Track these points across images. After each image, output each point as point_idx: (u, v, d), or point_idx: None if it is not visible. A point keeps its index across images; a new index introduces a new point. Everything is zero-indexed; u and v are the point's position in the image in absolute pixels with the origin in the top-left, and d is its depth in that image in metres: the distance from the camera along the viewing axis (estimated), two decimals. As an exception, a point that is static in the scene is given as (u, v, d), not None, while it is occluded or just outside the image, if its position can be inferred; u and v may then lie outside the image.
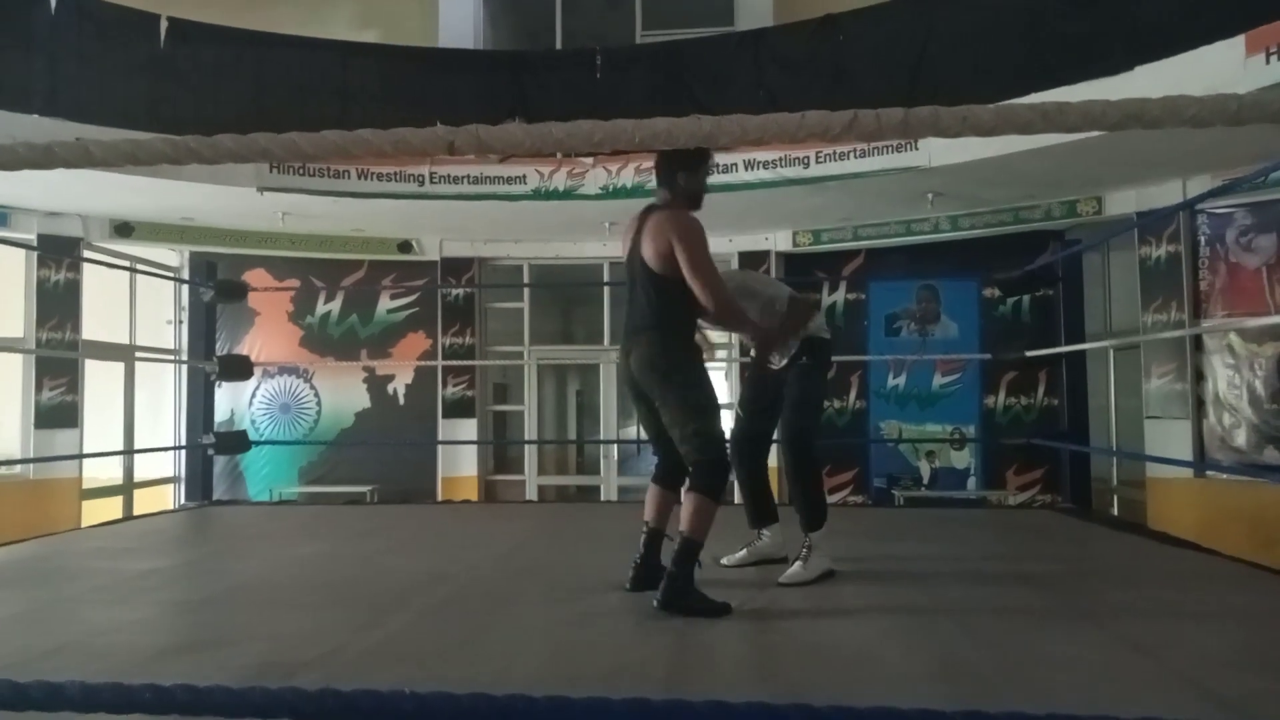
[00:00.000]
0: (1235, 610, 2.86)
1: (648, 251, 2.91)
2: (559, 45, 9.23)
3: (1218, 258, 6.95)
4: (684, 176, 3.02)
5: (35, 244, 7.76)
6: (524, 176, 7.57)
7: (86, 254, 8.00)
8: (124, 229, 8.29)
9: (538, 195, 7.59)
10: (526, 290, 9.72)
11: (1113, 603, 2.91)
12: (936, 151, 6.48)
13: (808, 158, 7.05)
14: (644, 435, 3.26)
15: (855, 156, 6.93)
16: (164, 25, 6.84)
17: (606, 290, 9.67)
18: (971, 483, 8.65)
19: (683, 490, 2.92)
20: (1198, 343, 7.03)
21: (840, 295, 9.13)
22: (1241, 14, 5.04)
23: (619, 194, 7.53)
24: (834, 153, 6.98)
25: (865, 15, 7.04)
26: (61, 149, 1.55)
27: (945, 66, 6.48)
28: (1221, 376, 6.88)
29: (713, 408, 2.94)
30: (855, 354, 8.85)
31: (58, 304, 7.95)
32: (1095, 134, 4.93)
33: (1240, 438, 6.78)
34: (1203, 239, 7.04)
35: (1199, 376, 7.01)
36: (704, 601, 2.74)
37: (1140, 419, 7.42)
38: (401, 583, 3.28)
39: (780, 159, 7.00)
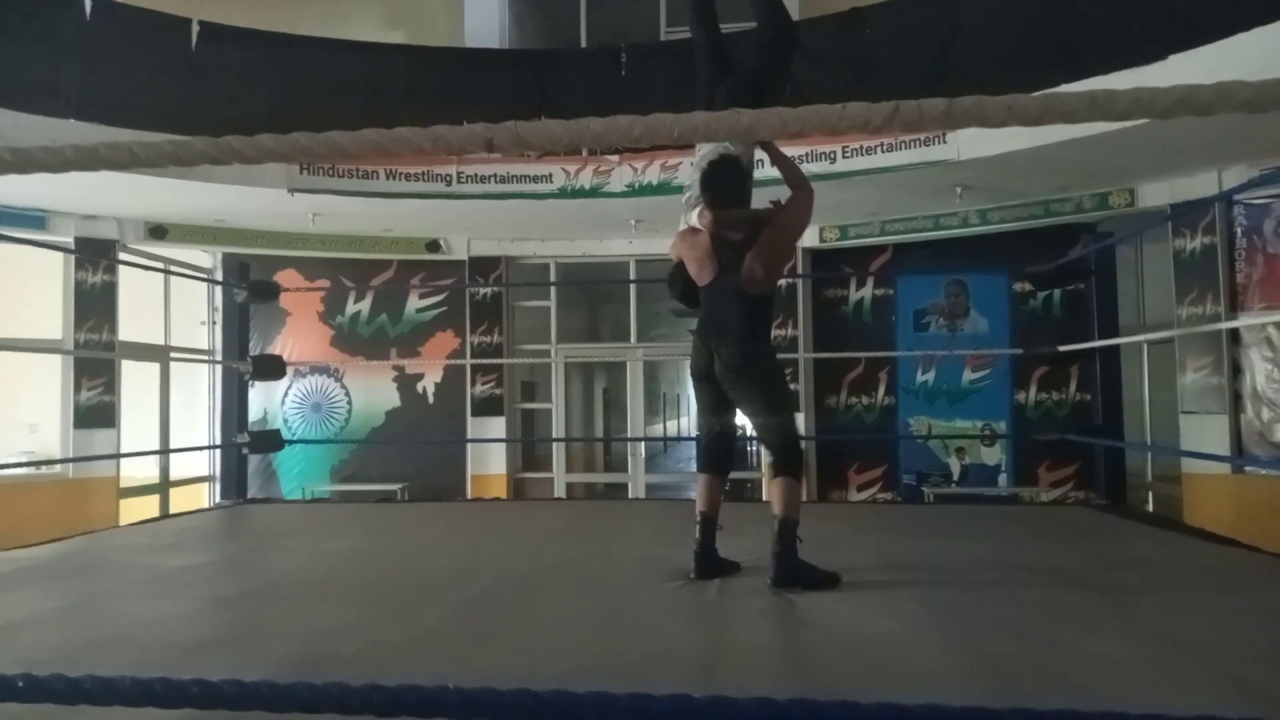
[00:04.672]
0: (1277, 606, 2.81)
1: (756, 270, 3.08)
2: (584, 43, 9.25)
3: (1255, 249, 6.82)
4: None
5: (72, 246, 7.89)
6: (550, 175, 7.59)
7: (122, 256, 8.13)
8: (158, 231, 8.41)
9: (564, 194, 7.62)
10: (553, 289, 9.75)
11: (1149, 599, 2.87)
12: (966, 144, 6.43)
13: (834, 152, 7.01)
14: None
15: (883, 151, 6.88)
16: (195, 29, 6.93)
17: (633, 288, 9.68)
18: (1002, 479, 8.56)
19: (770, 479, 3.18)
20: (1234, 336, 6.91)
21: (868, 291, 9.08)
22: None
23: (645, 191, 7.54)
24: (860, 147, 6.94)
25: (891, 8, 6.99)
26: (107, 150, 1.58)
27: (972, 58, 6.41)
28: (1260, 370, 6.76)
29: (790, 402, 3.39)
30: (884, 349, 8.80)
31: (95, 305, 8.09)
32: (1128, 124, 4.86)
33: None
34: (1239, 230, 6.91)
35: (1236, 370, 6.89)
36: (816, 573, 2.96)
37: (1175, 413, 7.31)
38: (435, 578, 3.31)
39: (807, 154, 6.97)
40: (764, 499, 8.20)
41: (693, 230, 3.32)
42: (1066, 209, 7.75)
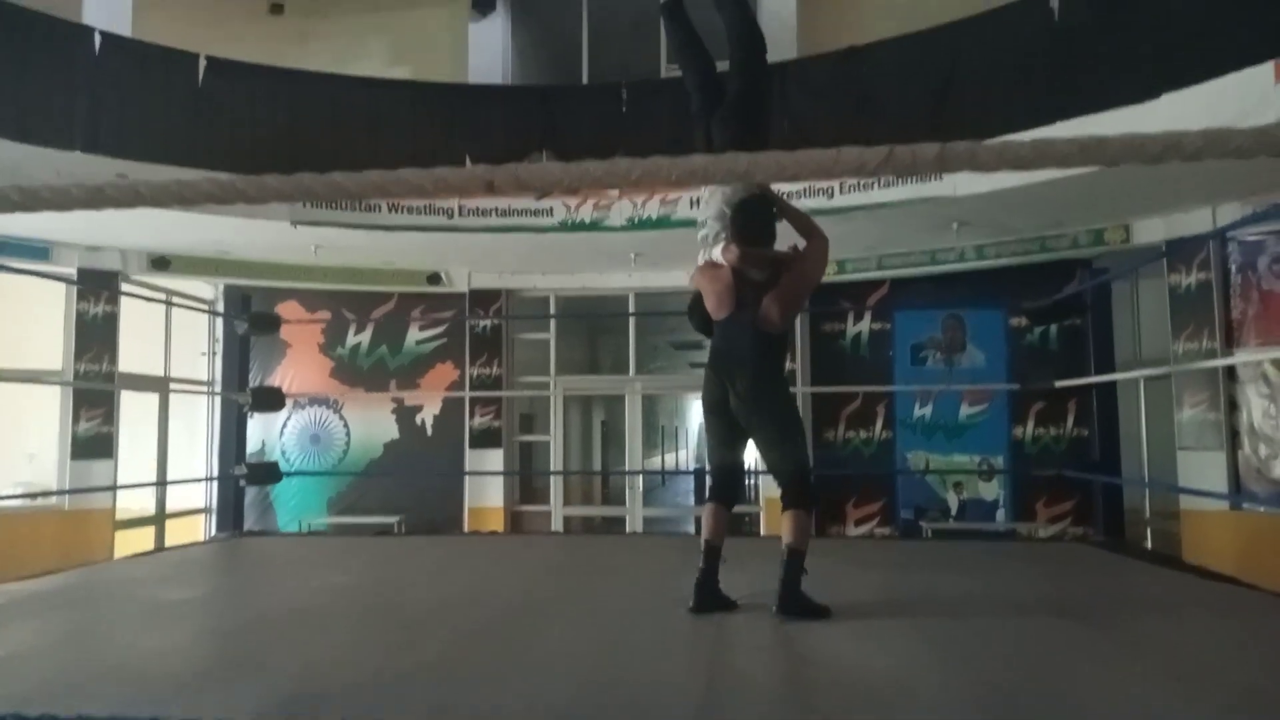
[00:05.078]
0: (1277, 644, 2.80)
1: (772, 312, 3.16)
2: (586, 80, 9.36)
3: (1250, 285, 6.86)
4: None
5: (75, 278, 7.92)
6: (551, 209, 7.65)
7: (124, 287, 8.16)
8: (161, 263, 8.45)
9: (565, 227, 7.67)
10: (553, 321, 9.79)
11: (1152, 635, 2.87)
12: (962, 181, 6.48)
13: (832, 188, 7.07)
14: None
15: (880, 186, 6.94)
16: (202, 64, 7.03)
17: (632, 321, 9.72)
18: (1001, 514, 8.53)
19: (781, 511, 3.21)
20: (1231, 372, 6.93)
21: (865, 325, 9.11)
22: (1269, 40, 5.02)
23: (644, 225, 7.60)
24: (858, 183, 7.00)
25: (888, 46, 7.09)
26: (112, 189, 1.60)
27: (970, 95, 6.50)
28: (1256, 406, 6.78)
29: (803, 435, 3.38)
30: (881, 383, 8.81)
31: (96, 336, 8.10)
32: (1123, 163, 4.90)
33: (1278, 469, 6.65)
34: (1234, 266, 6.96)
35: (1232, 406, 6.90)
36: (812, 605, 3.04)
37: (1173, 449, 7.31)
38: (432, 611, 3.30)
39: (804, 189, 7.02)
40: (764, 533, 8.19)
41: (713, 265, 3.36)
42: (1062, 245, 7.80)
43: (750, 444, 3.39)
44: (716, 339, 3.35)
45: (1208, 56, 5.27)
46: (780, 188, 6.82)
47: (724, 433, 3.32)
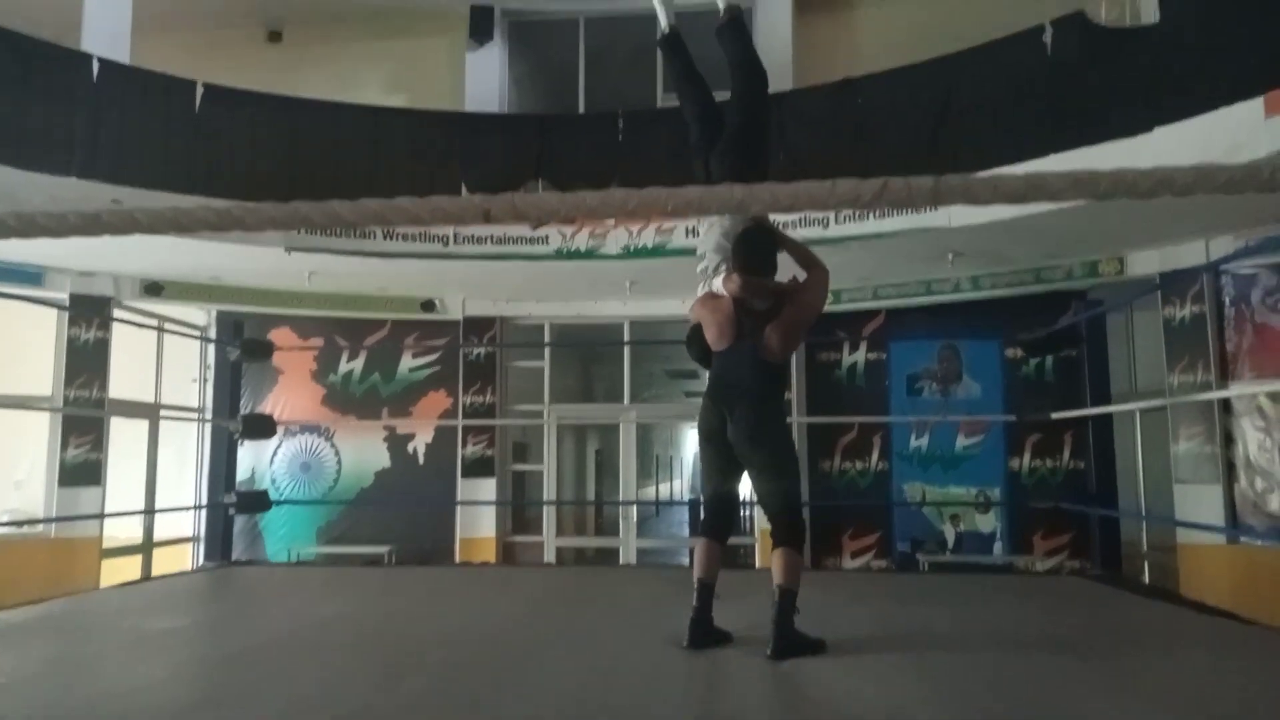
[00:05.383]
0: (1274, 678, 2.78)
1: (774, 342, 3.17)
2: (582, 109, 9.43)
3: (1243, 318, 6.89)
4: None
5: (67, 303, 7.89)
6: (546, 237, 7.67)
7: (116, 313, 8.13)
8: (154, 288, 8.44)
9: (560, 255, 7.69)
10: (547, 349, 9.77)
11: (1148, 669, 2.84)
12: (957, 211, 6.51)
13: (827, 218, 7.11)
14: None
15: (875, 217, 6.96)
16: (200, 91, 7.06)
17: (627, 349, 9.71)
18: (998, 547, 8.49)
19: (772, 548, 3.15)
20: (1226, 405, 6.93)
21: (860, 355, 9.11)
22: (1262, 75, 5.07)
23: (640, 254, 7.61)
24: (853, 213, 7.02)
25: (883, 78, 7.16)
26: (109, 216, 1.59)
27: (965, 128, 6.56)
28: (1252, 439, 6.78)
29: (798, 471, 3.38)
30: (877, 414, 8.80)
31: (86, 362, 8.05)
32: (1116, 196, 4.93)
33: (1274, 502, 6.64)
34: (1228, 299, 6.99)
35: (1228, 439, 6.90)
36: (807, 641, 3.02)
37: (1169, 481, 7.29)
38: (422, 642, 3.26)
39: (799, 219, 7.05)
40: (759, 565, 8.14)
41: (713, 295, 3.36)
42: (1057, 276, 7.84)
43: (744, 476, 3.36)
44: (716, 369, 3.34)
45: (1200, 91, 5.33)
46: (774, 218, 6.78)
47: (720, 463, 3.30)
